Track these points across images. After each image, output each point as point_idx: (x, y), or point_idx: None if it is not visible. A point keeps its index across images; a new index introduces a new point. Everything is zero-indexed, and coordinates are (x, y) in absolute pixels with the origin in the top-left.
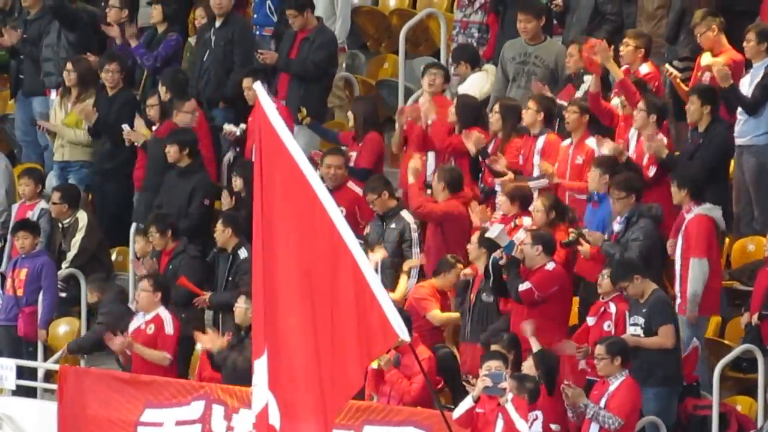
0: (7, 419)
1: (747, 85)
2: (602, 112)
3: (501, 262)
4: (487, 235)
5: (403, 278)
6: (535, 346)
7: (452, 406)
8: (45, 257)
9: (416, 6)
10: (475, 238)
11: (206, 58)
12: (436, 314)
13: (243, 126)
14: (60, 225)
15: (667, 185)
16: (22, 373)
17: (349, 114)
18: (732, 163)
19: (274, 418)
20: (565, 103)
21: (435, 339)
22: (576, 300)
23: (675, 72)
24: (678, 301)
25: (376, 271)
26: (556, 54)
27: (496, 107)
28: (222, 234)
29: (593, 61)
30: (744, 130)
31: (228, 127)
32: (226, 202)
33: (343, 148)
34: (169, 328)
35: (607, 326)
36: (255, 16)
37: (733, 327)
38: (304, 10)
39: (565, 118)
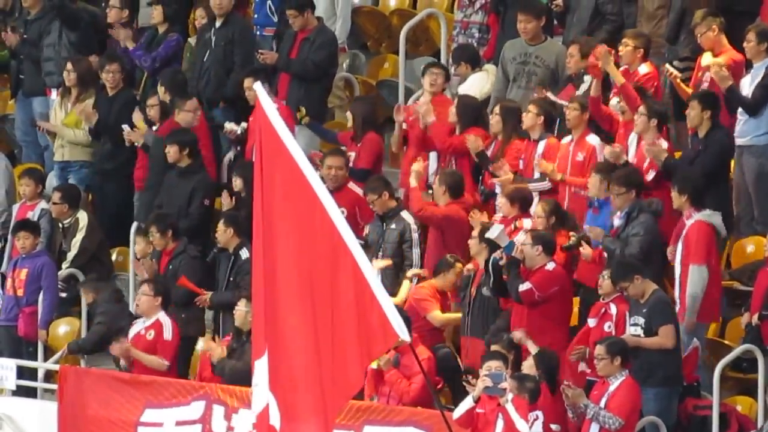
0: (8, 419)
1: (747, 86)
2: (602, 117)
3: (501, 263)
4: (486, 235)
5: (405, 283)
6: (533, 348)
7: (452, 407)
8: (45, 257)
9: (416, 6)
10: (475, 232)
11: (206, 59)
12: (436, 315)
13: (244, 125)
14: (60, 225)
15: (666, 190)
16: (22, 373)
17: (348, 114)
18: (732, 165)
19: (275, 419)
20: (565, 103)
21: (435, 339)
22: (576, 300)
23: (675, 72)
24: (677, 306)
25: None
26: (556, 54)
27: (497, 109)
28: (224, 234)
29: (594, 64)
30: (744, 130)
31: (229, 126)
32: (226, 202)
33: (343, 148)
34: (168, 334)
35: (608, 327)
36: (255, 16)
37: (733, 327)
38: (304, 10)
39: (566, 116)
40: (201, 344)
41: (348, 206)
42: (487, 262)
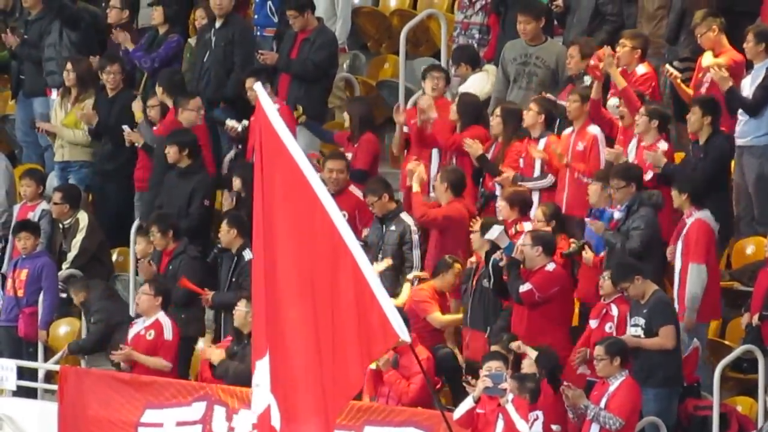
0: (8, 420)
1: (748, 86)
2: (602, 121)
3: (501, 264)
4: (486, 236)
5: (406, 285)
6: (533, 354)
7: (452, 407)
8: (45, 258)
9: (417, 7)
10: (477, 226)
11: (206, 59)
12: (436, 317)
13: (245, 122)
14: (61, 226)
15: (666, 189)
16: (22, 373)
17: (345, 115)
18: (732, 167)
19: (275, 419)
20: (566, 104)
21: (435, 340)
22: (577, 301)
23: (675, 73)
24: (677, 306)
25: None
26: (556, 55)
27: (497, 111)
28: (227, 234)
29: (595, 66)
30: (744, 131)
31: (230, 123)
32: (226, 202)
33: (341, 149)
34: (169, 334)
35: (609, 328)
36: (256, 16)
37: (733, 327)
38: (304, 10)
39: (566, 108)
40: (201, 344)
41: (349, 210)
42: (488, 253)
